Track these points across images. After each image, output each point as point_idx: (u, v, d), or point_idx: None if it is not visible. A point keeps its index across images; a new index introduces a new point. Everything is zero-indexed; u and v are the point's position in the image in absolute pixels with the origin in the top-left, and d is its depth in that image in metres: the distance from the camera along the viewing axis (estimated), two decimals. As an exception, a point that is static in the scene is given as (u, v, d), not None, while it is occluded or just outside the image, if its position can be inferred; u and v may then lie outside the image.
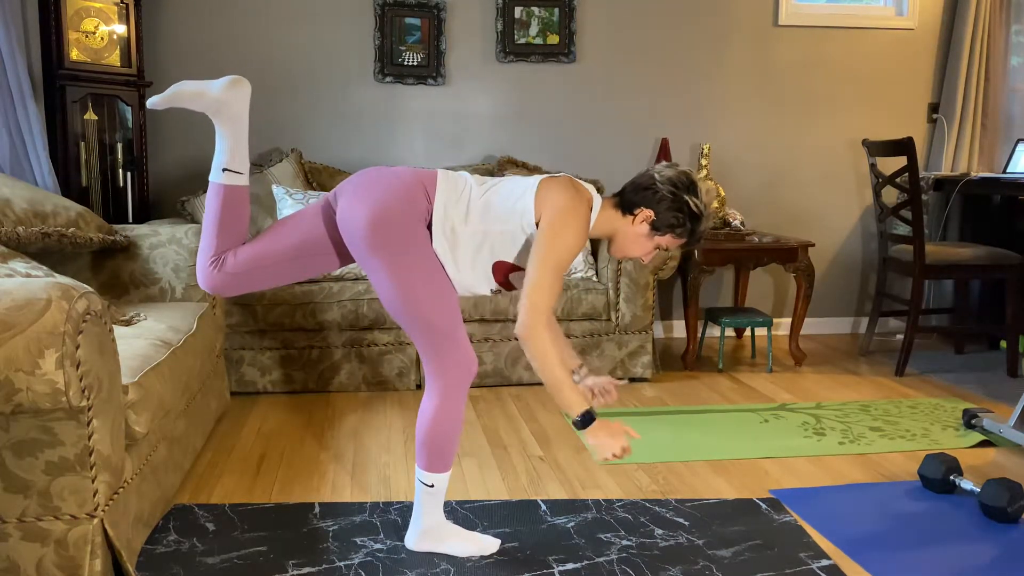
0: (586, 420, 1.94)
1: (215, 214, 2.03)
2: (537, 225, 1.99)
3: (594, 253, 3.88)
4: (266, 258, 2.07)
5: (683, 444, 2.96)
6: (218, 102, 1.98)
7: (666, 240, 2.07)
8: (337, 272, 3.55)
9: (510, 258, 2.05)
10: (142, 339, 2.38)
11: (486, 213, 2.03)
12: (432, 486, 2.10)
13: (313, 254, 2.10)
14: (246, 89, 2.01)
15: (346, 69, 4.27)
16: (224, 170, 2.01)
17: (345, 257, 2.13)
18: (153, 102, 1.98)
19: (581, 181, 2.10)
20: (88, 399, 1.81)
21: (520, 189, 2.04)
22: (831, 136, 4.71)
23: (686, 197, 2.02)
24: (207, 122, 4.20)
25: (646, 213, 2.03)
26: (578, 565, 2.09)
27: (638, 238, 2.07)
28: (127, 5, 3.64)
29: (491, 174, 4.15)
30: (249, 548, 2.16)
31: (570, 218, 1.96)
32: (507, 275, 2.08)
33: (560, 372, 1.92)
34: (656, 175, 2.04)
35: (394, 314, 2.01)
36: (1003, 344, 4.38)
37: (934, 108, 4.76)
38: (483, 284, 2.09)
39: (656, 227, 2.04)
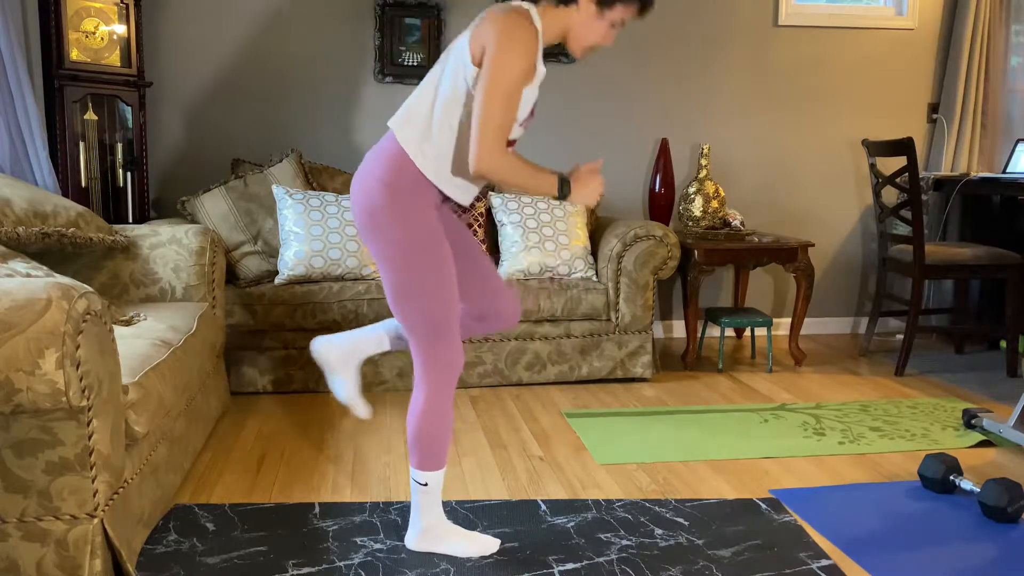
0: (564, 187, 1.98)
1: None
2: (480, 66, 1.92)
3: (594, 253, 3.88)
4: (483, 286, 2.23)
5: (683, 444, 2.96)
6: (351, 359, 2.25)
7: (618, 12, 2.00)
8: (337, 272, 3.55)
9: (523, 112, 2.01)
10: (142, 339, 2.38)
11: (441, 102, 1.97)
12: (426, 484, 2.10)
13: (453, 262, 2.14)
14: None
15: (346, 69, 4.27)
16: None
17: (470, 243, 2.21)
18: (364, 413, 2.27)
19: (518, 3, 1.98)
20: (88, 399, 1.81)
21: (455, 47, 1.98)
22: (831, 136, 4.71)
23: None
24: (207, 122, 4.20)
25: None
26: (578, 565, 2.09)
27: (590, 22, 2.00)
28: (127, 5, 3.64)
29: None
30: (249, 548, 2.16)
31: (508, 37, 1.87)
32: None
33: (529, 170, 1.93)
34: None
35: (392, 304, 2.02)
36: (1003, 344, 4.38)
37: (934, 108, 4.76)
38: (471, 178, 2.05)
39: (602, 2, 1.98)
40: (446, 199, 2.06)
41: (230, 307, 3.40)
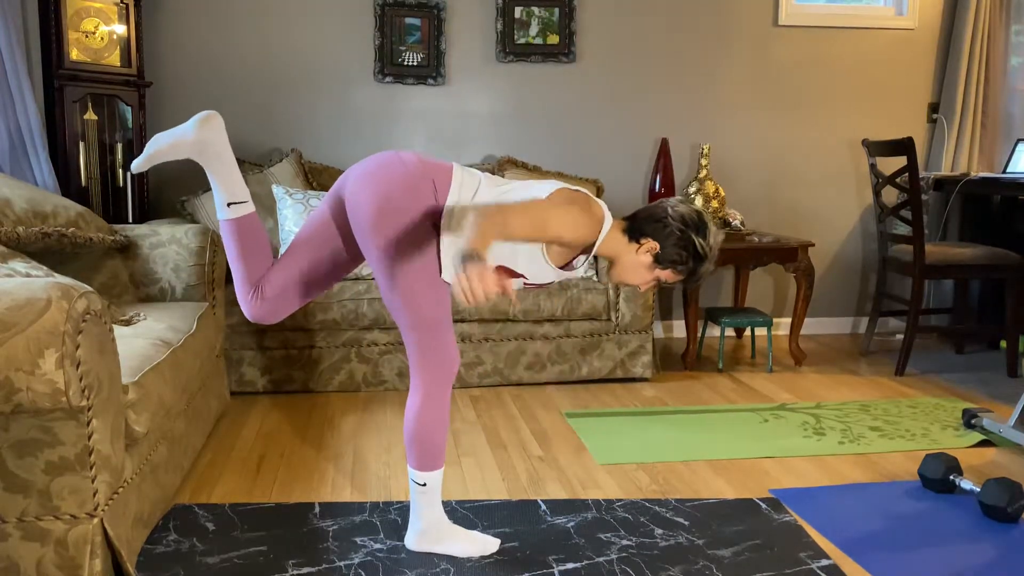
0: (470, 257, 1.70)
1: (236, 249, 2.06)
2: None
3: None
4: (297, 271, 2.10)
5: (683, 444, 2.96)
6: (197, 144, 2.00)
7: (666, 274, 2.06)
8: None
9: (513, 265, 2.03)
10: (142, 339, 2.38)
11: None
12: (425, 485, 2.10)
13: (337, 250, 2.11)
14: (218, 121, 2.02)
15: (346, 69, 4.27)
16: (229, 204, 2.04)
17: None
18: (137, 165, 2.01)
19: (596, 199, 2.06)
20: (88, 399, 1.81)
21: (533, 193, 2.00)
22: (831, 136, 4.71)
23: (694, 237, 2.02)
24: (207, 122, 4.19)
25: (651, 244, 2.02)
26: (578, 565, 2.09)
27: (639, 267, 2.06)
28: (127, 5, 3.64)
29: (492, 174, 4.15)
30: (249, 548, 2.16)
31: (574, 210, 1.95)
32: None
33: (500, 216, 1.81)
34: (669, 209, 2.03)
35: (388, 303, 2.02)
36: (1003, 344, 4.38)
37: (934, 108, 4.76)
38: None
39: (659, 260, 2.04)
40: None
41: (230, 307, 3.40)
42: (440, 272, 2.00)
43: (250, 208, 2.07)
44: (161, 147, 2.00)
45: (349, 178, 2.03)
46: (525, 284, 2.11)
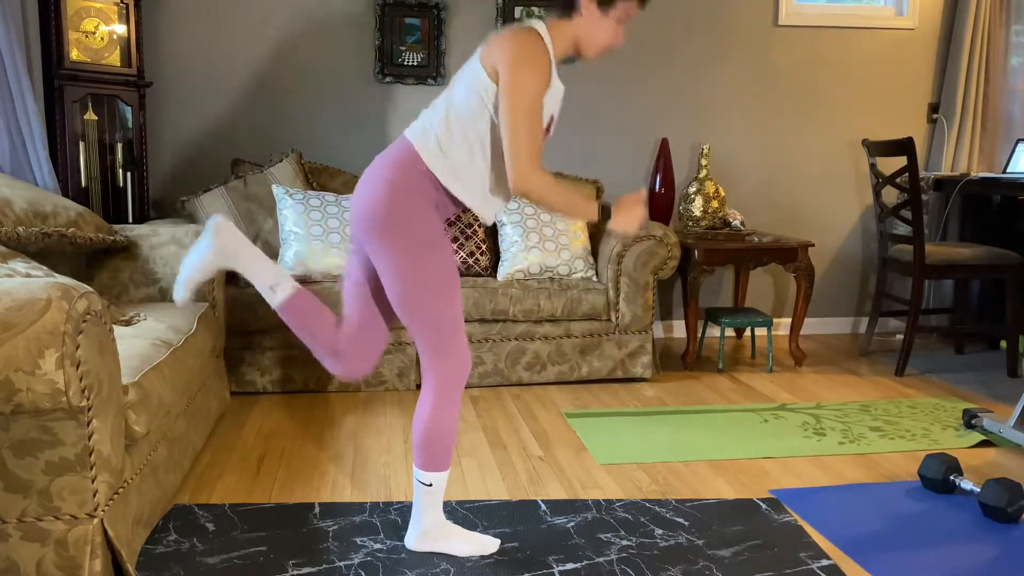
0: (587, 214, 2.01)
1: (302, 327, 2.12)
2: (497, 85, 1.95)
3: (594, 253, 3.88)
4: (361, 322, 2.14)
5: (683, 444, 2.96)
6: (218, 253, 2.08)
7: (620, 9, 2.02)
8: (337, 271, 3.55)
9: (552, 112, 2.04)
10: (142, 339, 2.38)
11: (456, 117, 2.00)
12: (430, 485, 2.10)
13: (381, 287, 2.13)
14: (228, 226, 2.09)
15: (346, 69, 4.27)
16: (271, 288, 2.10)
17: None
18: (180, 300, 2.12)
19: (528, 28, 2.01)
20: (88, 399, 1.81)
21: (467, 68, 2.02)
22: (831, 136, 4.71)
23: None
24: (206, 122, 4.20)
25: (585, 1, 2.01)
26: (578, 565, 2.09)
27: (596, 26, 2.03)
28: (127, 5, 3.64)
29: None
30: (249, 548, 2.16)
31: (520, 59, 1.92)
32: None
33: (566, 192, 1.96)
34: None
35: (399, 307, 2.02)
36: (1003, 344, 4.38)
37: (934, 108, 4.76)
38: (502, 194, 2.08)
39: (601, 3, 2.01)
40: (454, 210, 2.07)
41: (230, 307, 3.40)
42: (450, 270, 2.01)
43: (291, 286, 2.12)
44: (192, 273, 2.10)
45: (353, 224, 2.06)
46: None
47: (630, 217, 2.06)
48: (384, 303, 2.16)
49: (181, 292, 2.12)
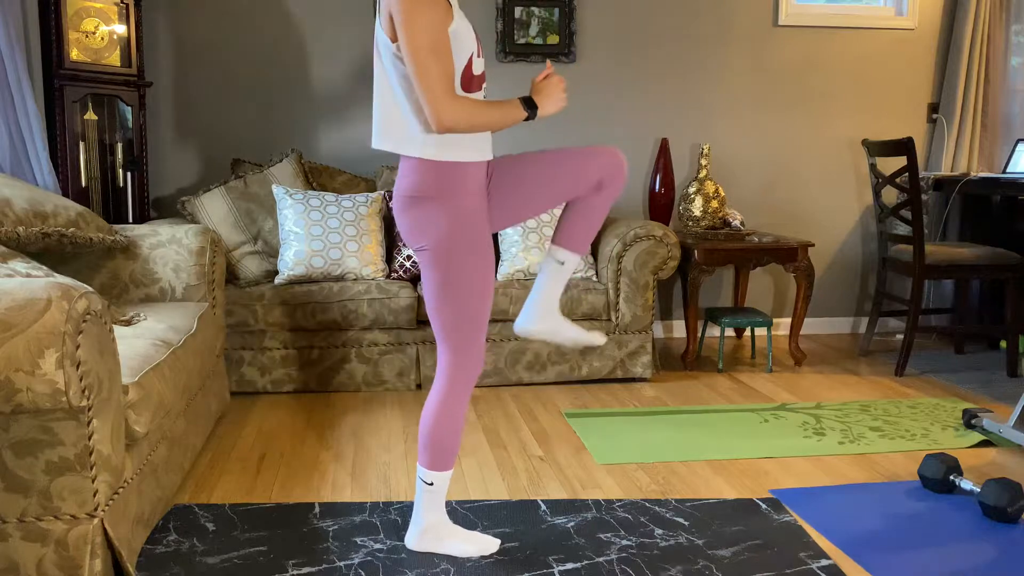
0: (530, 104, 2.00)
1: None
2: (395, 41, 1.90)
3: (594, 253, 3.88)
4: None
5: (683, 444, 2.96)
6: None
7: None
8: (338, 271, 3.55)
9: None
10: (142, 339, 2.38)
11: (398, 90, 1.95)
12: (432, 484, 2.10)
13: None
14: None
15: (346, 69, 4.27)
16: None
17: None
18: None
19: None
20: (88, 399, 1.81)
21: (376, 38, 1.96)
22: (831, 136, 4.71)
23: None
24: (207, 122, 4.20)
25: None
26: (578, 565, 2.09)
27: None
28: (127, 5, 3.64)
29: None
30: (249, 548, 2.16)
31: (416, 13, 1.83)
32: None
33: (491, 107, 1.93)
34: None
35: (430, 300, 2.01)
36: (1003, 344, 4.38)
37: (934, 108, 4.76)
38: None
39: None
40: (479, 176, 2.02)
41: (230, 307, 3.40)
42: (485, 270, 1.99)
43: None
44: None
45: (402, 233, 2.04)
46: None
47: (553, 95, 2.03)
48: (519, 201, 2.10)
49: (590, 336, 2.17)
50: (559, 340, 2.17)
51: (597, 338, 2.18)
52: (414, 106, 1.94)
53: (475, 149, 2.00)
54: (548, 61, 2.18)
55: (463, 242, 1.97)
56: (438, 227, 1.96)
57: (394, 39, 1.89)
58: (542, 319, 2.14)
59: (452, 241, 1.96)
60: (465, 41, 1.94)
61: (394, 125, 1.98)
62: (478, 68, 2.00)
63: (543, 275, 2.13)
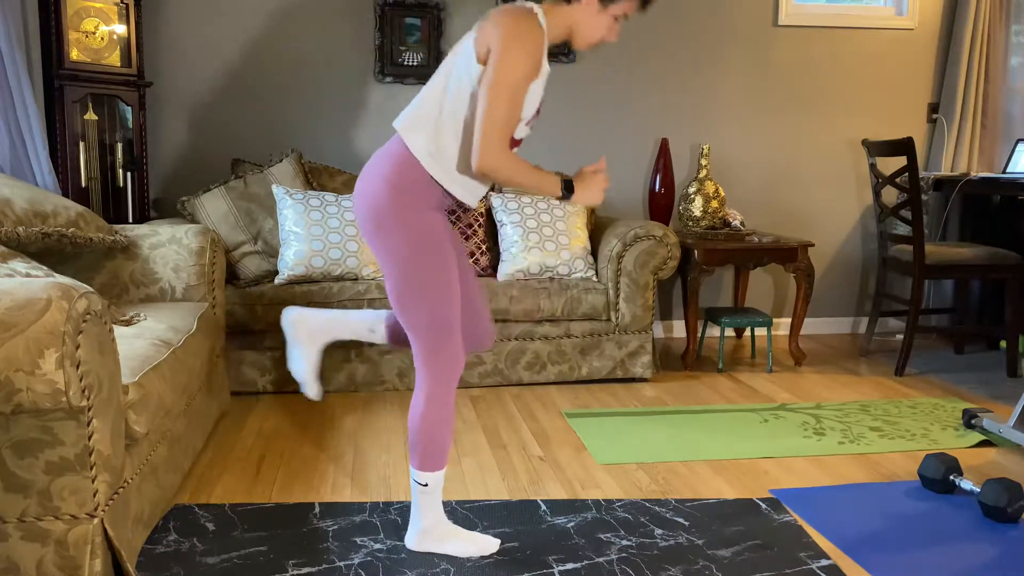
0: (568, 187, 2.03)
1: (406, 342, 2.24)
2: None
3: (594, 253, 3.88)
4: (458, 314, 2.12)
5: (683, 444, 2.96)
6: (308, 342, 2.27)
7: (620, 7, 2.01)
8: (337, 271, 3.55)
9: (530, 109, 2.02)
10: (142, 339, 2.38)
11: (450, 110, 1.97)
12: (426, 485, 2.10)
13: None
14: (294, 312, 2.29)
15: (346, 69, 4.27)
16: (372, 332, 2.26)
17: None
18: (316, 393, 2.29)
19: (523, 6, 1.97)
20: (88, 399, 1.81)
21: (460, 53, 1.98)
22: (831, 136, 4.71)
23: None
24: (207, 122, 4.20)
25: None
26: (578, 565, 2.09)
27: (593, 19, 2.02)
28: (127, 5, 3.64)
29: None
30: (249, 548, 2.16)
31: (514, 37, 1.88)
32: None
33: (532, 171, 1.96)
34: None
35: (394, 303, 2.02)
36: (1003, 344, 4.38)
37: (934, 108, 4.76)
38: (484, 181, 2.06)
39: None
40: (451, 203, 2.07)
41: (230, 307, 3.40)
42: (449, 270, 2.01)
43: (383, 319, 2.25)
44: (304, 373, 2.27)
45: (357, 221, 2.07)
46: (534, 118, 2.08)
47: (592, 188, 2.06)
48: (469, 288, 2.19)
49: (310, 389, 2.28)
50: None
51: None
52: (450, 121, 1.97)
53: (468, 191, 2.05)
54: (603, 157, 2.28)
55: (424, 245, 1.97)
56: (404, 226, 1.97)
57: (483, 63, 1.92)
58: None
59: (415, 242, 1.97)
60: (533, 103, 2.00)
61: (420, 121, 2.00)
62: (520, 133, 2.04)
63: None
